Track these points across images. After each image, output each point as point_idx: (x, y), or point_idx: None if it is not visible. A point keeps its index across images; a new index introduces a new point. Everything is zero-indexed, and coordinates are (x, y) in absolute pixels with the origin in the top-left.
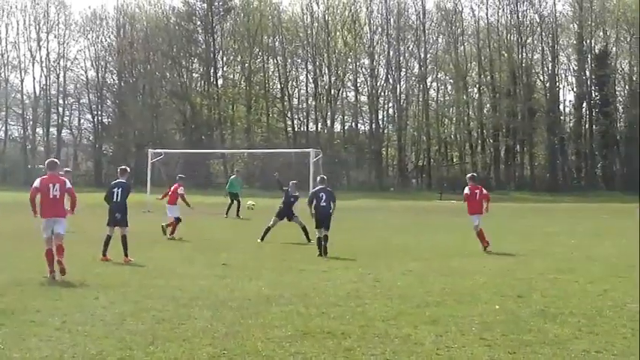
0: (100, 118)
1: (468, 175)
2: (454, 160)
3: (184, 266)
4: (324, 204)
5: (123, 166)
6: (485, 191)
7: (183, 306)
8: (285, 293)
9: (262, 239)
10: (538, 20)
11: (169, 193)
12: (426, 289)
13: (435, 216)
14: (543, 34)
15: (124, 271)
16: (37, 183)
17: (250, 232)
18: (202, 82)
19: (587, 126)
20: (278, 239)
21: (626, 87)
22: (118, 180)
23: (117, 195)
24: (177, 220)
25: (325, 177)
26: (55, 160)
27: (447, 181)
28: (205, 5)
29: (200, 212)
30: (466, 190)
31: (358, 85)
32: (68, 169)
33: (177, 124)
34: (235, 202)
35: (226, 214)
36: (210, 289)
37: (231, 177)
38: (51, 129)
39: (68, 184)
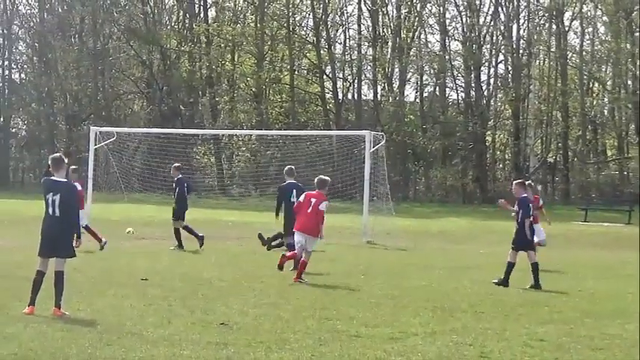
0: (7, 72)
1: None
2: (608, 154)
3: (156, 326)
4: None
5: (58, 154)
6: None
7: None
8: None
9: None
10: None
11: None
12: None
13: (578, 249)
14: None
15: (52, 334)
16: None
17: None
18: (181, 14)
19: None
20: (326, 273)
21: None
22: (53, 178)
23: (53, 205)
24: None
25: (293, 167)
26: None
27: (596, 189)
28: None
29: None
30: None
31: (447, 23)
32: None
33: (137, 85)
34: None
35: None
36: None
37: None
38: None
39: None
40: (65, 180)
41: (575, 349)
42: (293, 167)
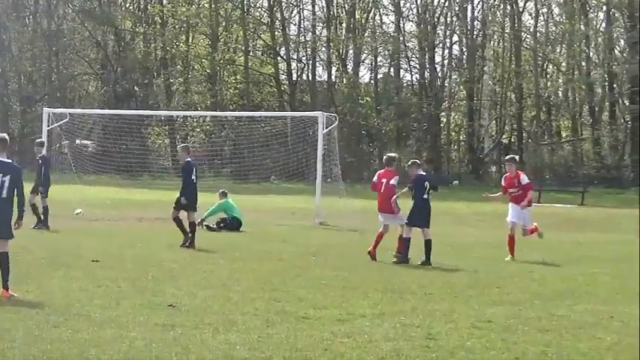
0: None
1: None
2: (563, 136)
3: (104, 308)
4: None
5: (3, 135)
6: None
7: None
8: (274, 357)
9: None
10: None
11: None
12: (514, 353)
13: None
14: None
15: (3, 316)
16: None
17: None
18: None
19: None
20: (277, 254)
21: None
22: (1, 160)
23: (1, 186)
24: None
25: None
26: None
27: (549, 170)
28: None
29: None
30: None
31: (401, 4)
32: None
33: (91, 66)
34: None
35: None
36: (148, 351)
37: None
38: None
39: None
40: (11, 161)
41: (523, 330)
42: (189, 145)
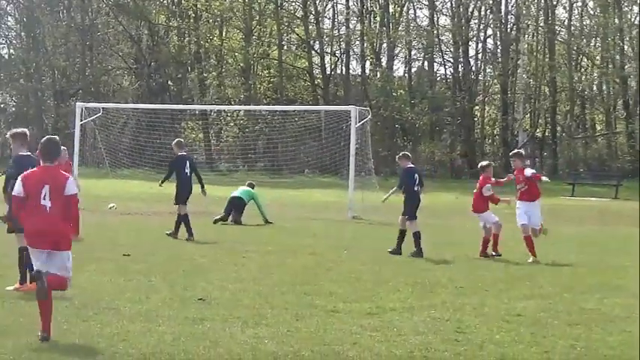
0: None
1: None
2: (597, 129)
3: (134, 302)
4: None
5: (19, 130)
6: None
7: None
8: (302, 351)
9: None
10: None
11: None
12: (542, 347)
13: (564, 224)
14: None
15: (29, 310)
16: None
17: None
18: None
19: None
20: (309, 248)
21: None
22: (21, 154)
23: None
24: None
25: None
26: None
27: (583, 163)
28: None
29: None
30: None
31: None
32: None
33: (125, 61)
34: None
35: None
36: (176, 344)
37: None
38: None
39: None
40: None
41: (552, 324)
42: (182, 140)
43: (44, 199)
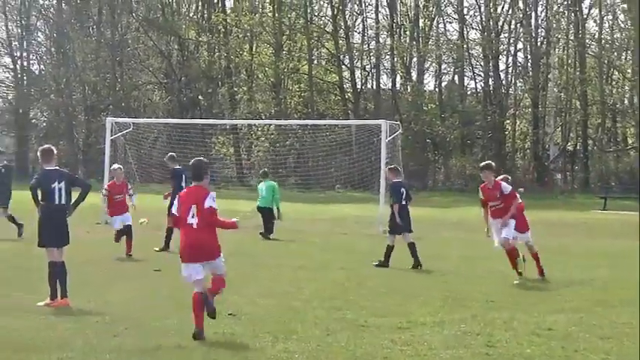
0: (25, 63)
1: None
2: (629, 142)
3: (164, 317)
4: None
5: (46, 146)
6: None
7: None
8: None
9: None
10: None
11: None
12: None
13: (596, 238)
14: None
15: (60, 325)
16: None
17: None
18: (200, 4)
19: None
20: (340, 262)
21: None
22: (48, 168)
23: (58, 193)
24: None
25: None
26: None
27: (615, 177)
28: None
29: None
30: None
31: (465, 11)
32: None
33: (155, 76)
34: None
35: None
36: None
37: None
38: None
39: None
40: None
41: (583, 338)
42: (174, 154)
43: (192, 217)
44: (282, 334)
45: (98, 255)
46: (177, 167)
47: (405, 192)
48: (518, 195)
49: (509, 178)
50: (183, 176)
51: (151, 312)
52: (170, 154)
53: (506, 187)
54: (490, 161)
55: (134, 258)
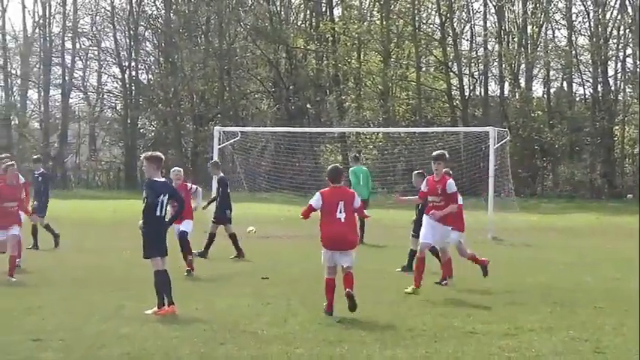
0: (134, 73)
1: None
2: None
3: (271, 325)
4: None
5: (155, 153)
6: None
7: None
8: None
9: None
10: None
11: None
12: None
13: None
14: None
15: (167, 334)
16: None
17: (387, 263)
18: (308, 12)
19: None
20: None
21: None
22: (157, 180)
23: (162, 206)
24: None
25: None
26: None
27: None
28: None
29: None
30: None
31: (573, 17)
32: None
33: (263, 85)
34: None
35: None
36: None
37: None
38: (51, 91)
39: None
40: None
41: None
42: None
43: (340, 212)
44: (390, 341)
45: (204, 264)
46: (222, 175)
47: None
48: (460, 197)
49: (451, 172)
50: (228, 183)
51: (258, 320)
52: (214, 160)
53: (452, 186)
54: (444, 151)
55: (242, 266)
